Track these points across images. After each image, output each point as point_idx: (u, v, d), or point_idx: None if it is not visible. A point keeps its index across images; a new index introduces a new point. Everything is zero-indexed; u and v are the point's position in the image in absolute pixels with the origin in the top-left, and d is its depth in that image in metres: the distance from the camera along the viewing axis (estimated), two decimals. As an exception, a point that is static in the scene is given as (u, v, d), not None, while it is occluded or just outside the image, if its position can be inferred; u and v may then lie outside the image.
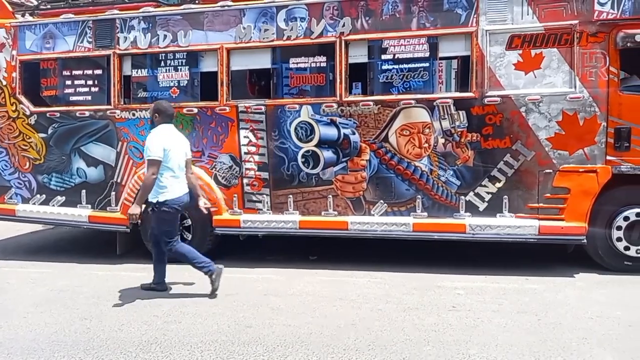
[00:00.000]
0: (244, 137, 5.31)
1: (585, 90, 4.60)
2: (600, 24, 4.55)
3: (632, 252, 4.69)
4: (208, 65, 5.41)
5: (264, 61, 5.32)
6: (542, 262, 5.16)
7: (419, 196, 5.00)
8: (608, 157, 4.61)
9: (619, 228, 4.69)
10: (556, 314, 3.87)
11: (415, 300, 4.24)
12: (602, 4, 4.53)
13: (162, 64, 5.51)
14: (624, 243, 4.70)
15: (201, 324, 3.85)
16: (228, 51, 5.29)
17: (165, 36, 5.44)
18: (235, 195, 5.39)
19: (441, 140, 4.92)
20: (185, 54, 5.43)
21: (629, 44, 4.53)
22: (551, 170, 4.72)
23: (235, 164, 5.37)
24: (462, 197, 4.92)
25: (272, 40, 5.21)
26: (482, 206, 4.89)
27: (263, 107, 5.25)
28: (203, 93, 5.45)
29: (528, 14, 4.67)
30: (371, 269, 5.05)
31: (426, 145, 4.96)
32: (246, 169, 5.35)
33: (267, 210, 5.32)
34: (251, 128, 5.29)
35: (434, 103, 4.89)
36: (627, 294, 4.26)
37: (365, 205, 5.14)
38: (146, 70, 5.60)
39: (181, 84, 5.48)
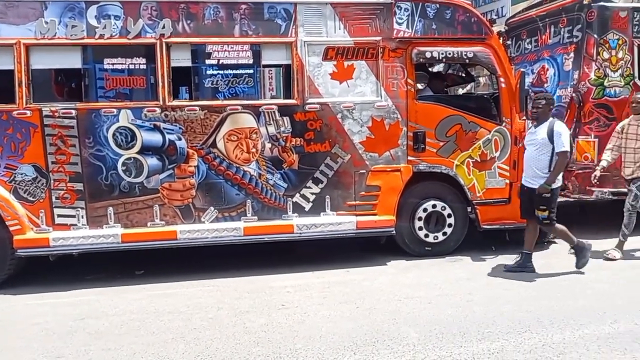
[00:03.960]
0: (51, 144, 4.73)
1: (389, 99, 5.22)
2: (399, 41, 5.21)
3: (430, 238, 5.47)
4: (1, 62, 4.68)
5: (73, 60, 4.80)
6: (361, 253, 5.68)
7: (249, 200, 5.08)
8: (409, 158, 5.31)
9: (420, 218, 5.43)
10: (372, 299, 4.30)
11: (247, 303, 4.28)
12: (399, 24, 5.20)
13: (-62, 59, 4.59)
14: (424, 231, 5.45)
15: (-2, 364, 3.32)
16: (27, 47, 4.65)
17: (-60, 26, 4.55)
18: (42, 210, 4.76)
19: (268, 145, 5.08)
20: (-31, 48, 4.61)
21: (421, 59, 5.30)
22: (365, 171, 5.25)
23: (41, 175, 4.74)
24: (290, 199, 5.15)
25: (82, 38, 4.74)
26: (307, 206, 5.19)
27: (74, 111, 4.74)
28: (-4, 94, 4.70)
29: (340, 28, 5.10)
30: (203, 277, 4.95)
31: (254, 150, 5.06)
32: (55, 180, 4.76)
33: (83, 225, 4.83)
34: (60, 134, 4.73)
35: (260, 109, 5.02)
36: (428, 276, 4.94)
37: (195, 212, 5.03)
38: None
39: (-35, 84, 4.64)
